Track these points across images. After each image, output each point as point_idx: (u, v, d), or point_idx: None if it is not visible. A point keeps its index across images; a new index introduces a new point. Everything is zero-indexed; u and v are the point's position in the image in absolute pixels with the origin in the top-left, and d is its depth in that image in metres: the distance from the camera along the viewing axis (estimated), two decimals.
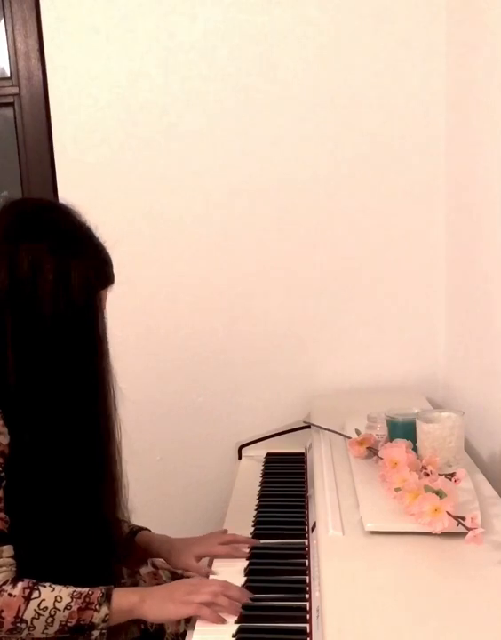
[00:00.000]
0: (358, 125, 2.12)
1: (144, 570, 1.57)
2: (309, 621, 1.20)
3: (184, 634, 1.29)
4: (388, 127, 2.11)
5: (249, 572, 1.39)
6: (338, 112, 2.11)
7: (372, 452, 1.61)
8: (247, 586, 1.33)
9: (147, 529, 1.55)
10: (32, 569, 1.24)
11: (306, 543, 1.46)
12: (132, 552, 1.50)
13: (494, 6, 1.70)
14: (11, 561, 1.22)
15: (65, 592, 1.22)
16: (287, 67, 2.10)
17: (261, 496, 1.75)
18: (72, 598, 1.21)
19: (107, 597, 1.23)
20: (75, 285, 1.25)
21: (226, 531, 1.56)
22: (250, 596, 1.29)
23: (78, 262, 1.26)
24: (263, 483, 1.84)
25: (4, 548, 1.22)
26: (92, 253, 1.30)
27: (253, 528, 1.58)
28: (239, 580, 1.35)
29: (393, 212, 2.16)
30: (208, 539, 1.51)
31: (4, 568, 1.21)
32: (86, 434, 1.29)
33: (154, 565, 1.58)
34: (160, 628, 1.43)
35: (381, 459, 1.49)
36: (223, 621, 1.23)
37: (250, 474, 1.92)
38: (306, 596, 1.28)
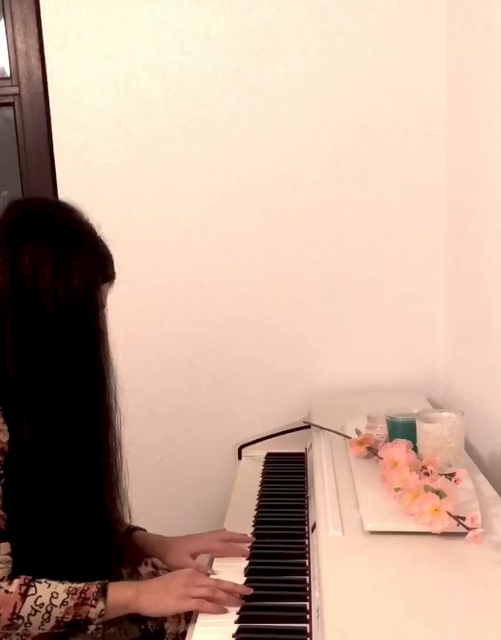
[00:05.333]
0: (358, 124, 2.12)
1: (143, 570, 1.56)
2: (309, 621, 1.20)
3: (184, 634, 1.29)
4: (388, 126, 2.11)
5: (249, 571, 1.39)
6: (338, 111, 2.11)
7: (372, 451, 1.61)
8: (247, 586, 1.33)
9: (142, 529, 1.56)
10: (32, 566, 1.24)
11: (306, 543, 1.46)
12: (129, 552, 1.51)
13: (494, 4, 1.70)
14: (8, 558, 1.22)
15: (61, 588, 1.22)
16: (287, 66, 2.10)
17: (261, 496, 1.75)
18: (68, 594, 1.22)
19: (103, 592, 1.23)
20: (76, 281, 1.26)
21: (223, 529, 1.56)
22: (247, 590, 1.30)
23: (79, 258, 1.27)
24: (263, 483, 1.84)
25: (2, 545, 1.22)
26: (93, 250, 1.31)
27: (253, 528, 1.57)
28: (239, 579, 1.35)
29: (393, 212, 2.16)
30: (204, 536, 1.51)
31: (1, 565, 1.21)
32: (87, 429, 1.30)
33: (153, 565, 1.58)
34: (160, 628, 1.43)
35: (381, 459, 1.49)
36: (225, 611, 1.25)
37: (250, 474, 1.92)
38: (306, 596, 1.28)
